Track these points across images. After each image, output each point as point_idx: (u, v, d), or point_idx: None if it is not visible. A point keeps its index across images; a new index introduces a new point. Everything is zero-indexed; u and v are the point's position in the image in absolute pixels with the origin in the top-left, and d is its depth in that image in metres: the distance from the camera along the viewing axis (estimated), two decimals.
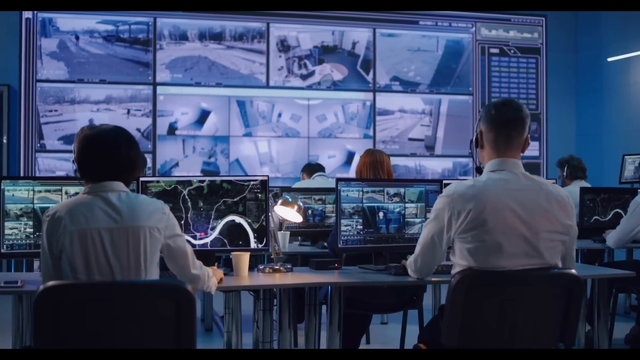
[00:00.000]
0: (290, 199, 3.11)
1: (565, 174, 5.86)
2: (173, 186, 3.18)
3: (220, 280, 2.94)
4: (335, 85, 8.39)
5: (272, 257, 3.26)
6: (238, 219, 3.19)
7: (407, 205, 3.39)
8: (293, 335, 4.51)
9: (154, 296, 2.25)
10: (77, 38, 7.71)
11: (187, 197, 3.16)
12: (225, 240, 3.21)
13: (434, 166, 8.64)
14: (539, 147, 8.90)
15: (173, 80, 7.99)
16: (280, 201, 3.12)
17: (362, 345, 4.85)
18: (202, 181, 3.18)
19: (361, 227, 3.30)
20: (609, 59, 8.65)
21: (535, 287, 2.55)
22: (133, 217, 2.37)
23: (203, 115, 8.04)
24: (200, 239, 3.20)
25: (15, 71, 7.61)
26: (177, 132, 7.98)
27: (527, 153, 8.05)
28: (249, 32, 8.18)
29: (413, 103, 8.59)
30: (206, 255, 3.24)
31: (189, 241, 3.16)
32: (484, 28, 8.78)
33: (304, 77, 8.34)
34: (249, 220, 3.19)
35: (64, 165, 7.66)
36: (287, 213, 3.11)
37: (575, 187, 5.42)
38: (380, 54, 8.51)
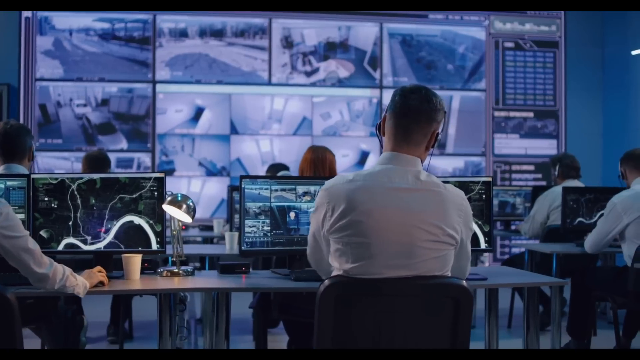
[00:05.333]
0: (179, 198, 2.89)
1: (557, 173, 5.48)
2: (60, 180, 2.98)
3: (103, 284, 2.76)
4: (341, 82, 8.13)
5: (173, 259, 3.06)
6: (137, 220, 2.97)
7: None
8: (262, 340, 4.32)
9: None
10: (71, 34, 7.66)
11: (76, 193, 2.96)
12: (122, 246, 3.00)
13: (445, 165, 8.29)
14: (557, 145, 8.45)
15: (173, 78, 7.86)
16: (168, 199, 2.91)
17: None
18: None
19: (268, 228, 3.07)
20: (633, 52, 8.16)
21: (414, 298, 2.26)
22: None
23: (203, 114, 7.89)
24: (92, 243, 3.00)
25: (15, 70, 7.60)
26: (177, 131, 7.85)
27: (545, 152, 7.69)
28: (251, 29, 8.00)
29: None
30: (104, 258, 3.06)
31: (77, 246, 2.99)
32: (498, 21, 8.39)
33: (308, 74, 8.11)
34: (151, 222, 2.98)
35: (63, 164, 7.62)
36: (176, 213, 2.90)
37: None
38: (388, 50, 8.21)
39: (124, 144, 7.74)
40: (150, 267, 3.12)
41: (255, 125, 7.98)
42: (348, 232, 2.23)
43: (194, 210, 2.92)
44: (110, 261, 3.05)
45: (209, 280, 2.99)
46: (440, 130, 2.34)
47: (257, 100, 8.00)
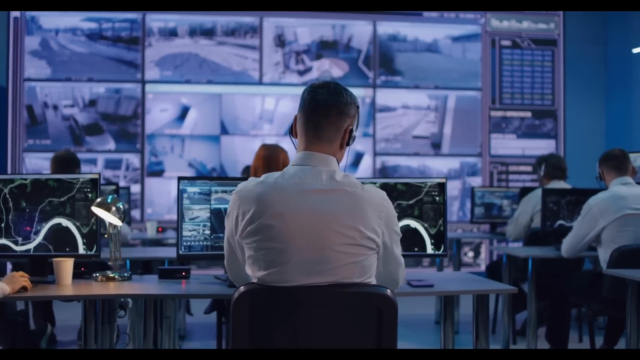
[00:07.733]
0: (109, 200, 2.77)
1: (542, 173, 5.30)
2: None
3: (26, 289, 2.65)
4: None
5: (109, 263, 2.95)
6: (65, 222, 2.88)
7: None
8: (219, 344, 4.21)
9: None
10: (57, 34, 7.60)
11: (8, 196, 2.87)
12: (51, 247, 2.91)
13: (440, 166, 8.12)
14: (555, 146, 8.25)
15: (162, 77, 7.76)
16: (97, 201, 2.79)
17: None
18: (26, 179, 2.90)
19: (209, 231, 2.94)
20: (634, 50, 7.94)
21: (333, 308, 2.13)
22: None
23: (192, 114, 7.78)
24: (23, 244, 2.91)
25: (3, 70, 7.55)
26: (166, 131, 7.75)
27: (543, 152, 7.46)
28: (242, 27, 7.89)
29: (417, 99, 8.10)
30: (38, 262, 2.96)
31: (9, 247, 2.91)
32: (495, 19, 8.20)
33: (301, 73, 7.98)
34: (77, 224, 2.89)
35: None
36: (105, 215, 2.78)
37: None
38: (382, 48, 8.06)
39: (111, 145, 7.66)
40: (87, 271, 3.00)
41: (246, 125, 7.86)
42: (259, 237, 2.11)
43: (125, 212, 2.80)
44: (45, 265, 2.95)
45: (144, 285, 2.87)
46: (354, 127, 2.22)
47: (248, 100, 7.88)
